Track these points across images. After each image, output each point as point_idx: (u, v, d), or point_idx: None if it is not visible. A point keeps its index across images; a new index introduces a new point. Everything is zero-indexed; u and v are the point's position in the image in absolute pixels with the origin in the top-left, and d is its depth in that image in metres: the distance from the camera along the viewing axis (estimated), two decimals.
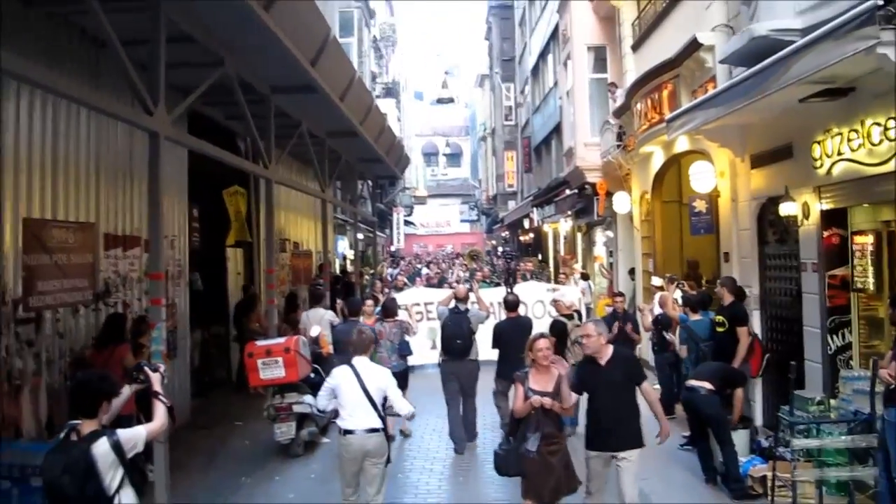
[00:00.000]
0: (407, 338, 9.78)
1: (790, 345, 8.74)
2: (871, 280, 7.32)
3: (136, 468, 4.34)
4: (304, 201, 17.57)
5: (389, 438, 6.59)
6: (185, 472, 8.24)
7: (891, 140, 6.41)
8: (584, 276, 18.34)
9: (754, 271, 9.69)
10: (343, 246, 25.71)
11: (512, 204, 39.01)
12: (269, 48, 7.86)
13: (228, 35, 7.71)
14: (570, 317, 9.93)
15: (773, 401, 8.88)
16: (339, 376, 6.39)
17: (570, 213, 22.31)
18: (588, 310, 15.40)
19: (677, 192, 13.65)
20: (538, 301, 13.59)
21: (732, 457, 7.63)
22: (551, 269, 25.70)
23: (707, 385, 7.88)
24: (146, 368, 4.76)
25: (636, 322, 11.38)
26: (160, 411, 4.58)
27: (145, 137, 6.89)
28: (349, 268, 23.28)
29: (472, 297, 10.41)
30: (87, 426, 4.15)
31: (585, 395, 6.35)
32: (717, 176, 10.42)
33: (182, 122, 9.02)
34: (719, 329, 8.85)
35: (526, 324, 9.36)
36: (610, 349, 6.25)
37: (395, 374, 6.77)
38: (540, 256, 29.39)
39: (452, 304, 9.88)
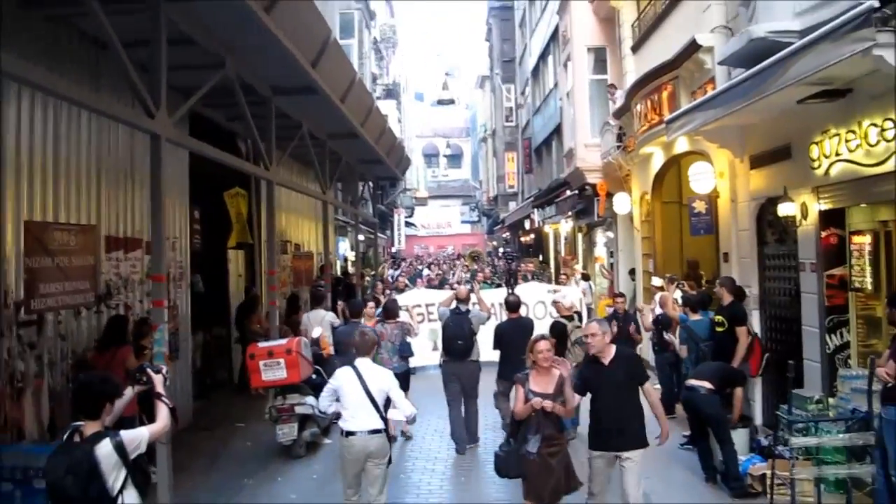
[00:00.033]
0: (408, 339, 9.79)
1: (789, 344, 8.77)
2: (868, 280, 7.36)
3: (139, 469, 4.37)
4: (305, 203, 17.59)
5: (391, 439, 6.61)
6: (188, 473, 8.27)
7: (888, 141, 6.45)
8: (585, 277, 18.37)
9: (753, 271, 9.72)
10: (344, 247, 25.75)
11: (513, 205, 39.02)
12: (269, 50, 7.88)
13: (229, 36, 7.73)
14: (570, 318, 9.94)
15: (773, 400, 8.90)
16: (342, 378, 6.41)
17: (570, 213, 22.34)
18: (589, 310, 15.43)
19: (677, 193, 13.67)
20: (539, 302, 13.59)
21: (732, 455, 7.66)
22: (552, 269, 25.73)
23: (707, 384, 7.91)
24: (148, 370, 4.80)
25: (637, 322, 11.41)
26: (163, 412, 4.61)
27: (146, 139, 6.92)
28: (350, 269, 23.30)
29: (473, 297, 10.42)
30: (90, 427, 4.18)
31: (586, 395, 6.38)
32: (717, 177, 10.45)
33: (183, 123, 9.05)
34: (719, 329, 8.88)
35: (527, 325, 9.36)
36: (613, 349, 6.26)
37: (396, 376, 6.77)
38: (541, 257, 29.41)
39: (453, 304, 9.90)
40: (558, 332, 8.91)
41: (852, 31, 5.35)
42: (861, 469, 6.43)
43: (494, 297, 12.94)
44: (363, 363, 6.49)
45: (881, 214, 7.60)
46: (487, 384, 9.71)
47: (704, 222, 10.91)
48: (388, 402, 6.47)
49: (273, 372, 8.89)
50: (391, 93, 38.79)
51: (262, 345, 9.23)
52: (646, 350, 12.05)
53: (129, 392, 4.76)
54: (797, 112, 7.50)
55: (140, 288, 9.13)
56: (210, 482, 8.39)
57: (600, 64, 19.13)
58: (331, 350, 10.20)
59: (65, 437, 4.25)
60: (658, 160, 13.23)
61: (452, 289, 13.07)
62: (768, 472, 7.11)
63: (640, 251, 14.93)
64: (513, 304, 9.79)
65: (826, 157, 7.48)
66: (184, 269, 10.76)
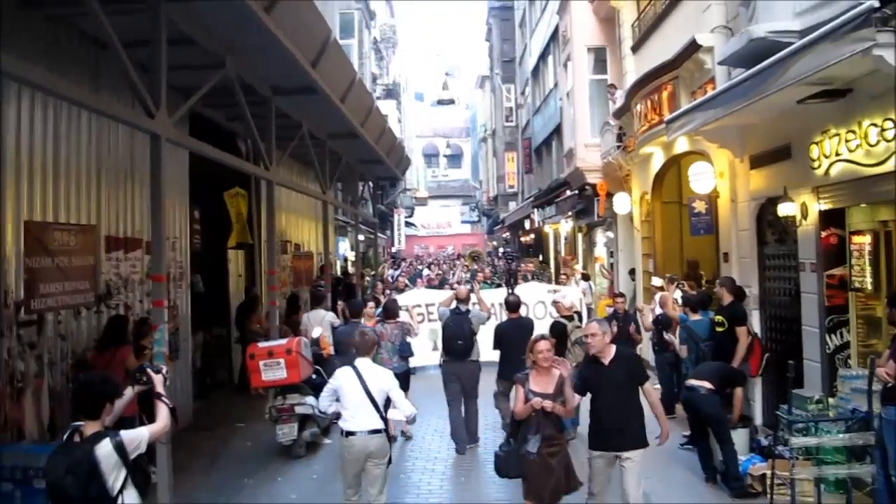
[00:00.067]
0: (408, 339, 9.80)
1: (789, 344, 8.78)
2: (868, 280, 7.37)
3: (139, 469, 4.37)
4: (305, 203, 17.60)
5: (391, 439, 6.61)
6: (188, 473, 8.27)
7: (888, 141, 6.45)
8: (585, 277, 18.38)
9: (753, 271, 9.72)
10: (344, 247, 25.76)
11: (513, 205, 39.03)
12: (270, 50, 7.88)
13: (229, 36, 7.74)
14: (570, 318, 9.94)
15: (773, 400, 8.90)
16: (342, 378, 6.42)
17: (570, 213, 22.35)
18: (589, 310, 15.44)
19: (677, 193, 13.68)
20: (539, 302, 13.59)
21: (732, 455, 7.66)
22: (552, 269, 25.74)
23: (707, 384, 7.91)
24: (148, 370, 4.80)
25: (637, 322, 11.42)
26: (163, 412, 4.62)
27: (146, 139, 6.92)
28: (350, 269, 23.32)
29: (473, 297, 10.42)
30: (90, 427, 4.19)
31: (586, 395, 6.37)
32: (717, 177, 10.46)
33: (183, 123, 9.05)
34: (719, 329, 8.89)
35: (527, 325, 9.36)
36: (613, 348, 6.26)
37: (396, 376, 6.78)
38: (541, 257, 29.42)
39: (453, 304, 9.90)
40: (558, 333, 8.91)
41: (852, 31, 5.35)
42: (861, 469, 6.43)
43: (494, 297, 12.94)
44: (363, 363, 6.50)
45: (881, 214, 7.61)
46: (487, 384, 9.71)
47: (704, 222, 10.92)
48: (388, 401, 6.48)
49: (273, 372, 8.90)
50: (391, 93, 38.82)
51: (262, 345, 9.23)
52: (646, 350, 12.06)
53: (129, 392, 4.76)
54: (797, 112, 7.50)
55: (140, 288, 9.13)
56: (210, 482, 8.39)
57: (600, 64, 19.14)
58: (331, 350, 10.21)
59: (65, 436, 4.25)
60: (658, 160, 13.24)
61: (452, 289, 13.07)
62: (768, 472, 7.11)
63: (640, 251, 14.94)
64: (513, 304, 9.79)
65: (826, 157, 7.49)
66: (184, 269, 10.76)
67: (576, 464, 6.31)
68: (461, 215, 64.38)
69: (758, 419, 9.33)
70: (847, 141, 7.08)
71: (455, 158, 66.88)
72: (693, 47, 10.28)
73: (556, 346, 6.57)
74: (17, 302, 6.67)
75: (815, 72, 5.93)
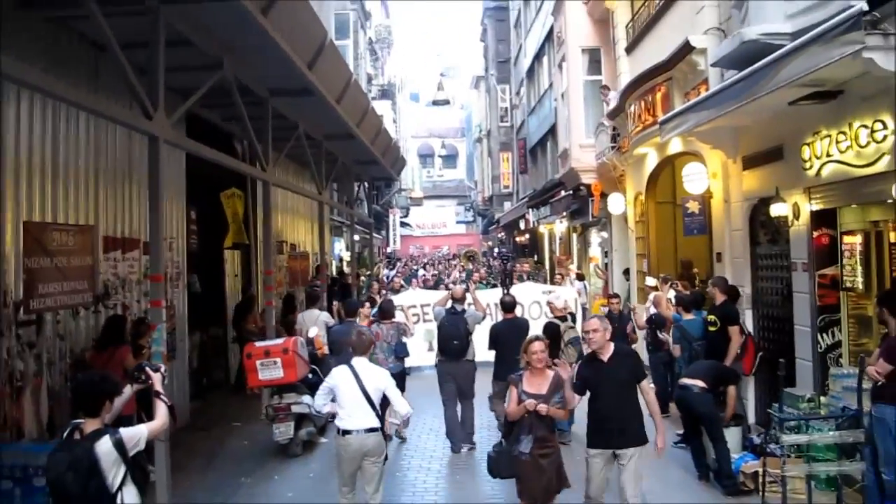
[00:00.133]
0: (404, 339, 9.83)
1: (781, 343, 8.86)
2: (859, 279, 7.46)
3: (138, 466, 4.42)
4: (301, 203, 17.64)
5: (386, 437, 6.65)
6: (185, 472, 8.29)
7: (878, 142, 6.54)
8: (580, 277, 18.44)
9: (746, 271, 9.78)
10: (340, 247, 25.78)
11: (508, 205, 39.07)
12: (266, 51, 7.92)
13: (227, 38, 7.78)
14: (563, 318, 9.97)
15: (766, 398, 8.97)
16: (338, 376, 6.47)
17: (565, 213, 22.40)
18: (584, 310, 15.48)
19: (671, 193, 13.73)
20: (534, 302, 13.64)
21: (725, 454, 7.72)
22: (547, 269, 25.79)
23: (700, 383, 7.97)
24: (147, 368, 4.83)
25: (632, 321, 11.47)
26: (161, 410, 4.66)
27: (143, 140, 6.98)
28: (346, 269, 23.35)
29: (468, 297, 10.45)
30: (90, 425, 4.23)
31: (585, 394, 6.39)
32: (710, 177, 10.53)
33: (180, 125, 9.07)
34: (711, 328, 8.96)
35: (523, 325, 9.36)
36: (612, 346, 6.26)
37: (392, 376, 6.80)
38: (536, 257, 29.47)
39: (449, 304, 9.92)
40: (552, 333, 8.91)
41: (843, 34, 5.41)
42: (851, 466, 6.47)
43: (490, 297, 12.98)
44: (360, 362, 6.55)
45: (872, 215, 7.70)
46: (483, 384, 9.73)
47: (698, 222, 10.99)
48: (384, 400, 6.53)
49: (270, 371, 8.94)
50: (386, 93, 38.90)
51: (259, 344, 9.27)
52: (640, 349, 12.10)
53: (128, 390, 4.79)
54: (789, 113, 7.57)
55: (137, 288, 9.17)
56: (207, 481, 8.43)
57: (595, 65, 19.19)
58: (325, 350, 10.24)
59: (65, 434, 4.30)
60: (652, 161, 13.31)
61: (448, 289, 13.11)
62: (760, 470, 7.18)
63: (635, 251, 15.02)
64: (508, 305, 9.78)
65: (817, 158, 7.56)
66: (181, 270, 10.80)
67: (570, 465, 6.33)
68: (456, 215, 64.37)
69: (751, 418, 9.39)
70: (838, 142, 7.16)
71: (450, 159, 66.87)
72: (686, 49, 10.35)
73: (550, 347, 6.59)
74: (17, 302, 6.71)
75: (806, 74, 5.99)
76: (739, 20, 8.44)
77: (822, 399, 7.47)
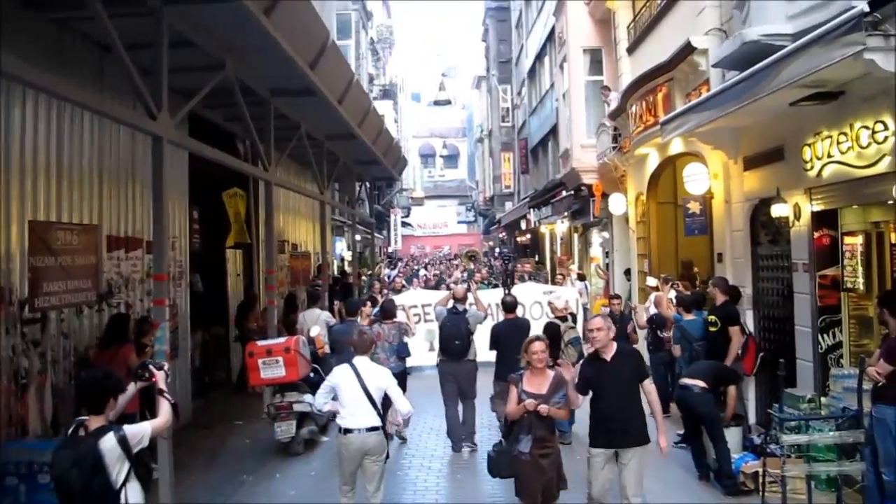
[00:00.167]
0: (406, 339, 9.85)
1: (782, 344, 8.87)
2: (860, 280, 7.45)
3: (141, 463, 4.44)
4: (303, 203, 17.68)
5: (387, 436, 6.68)
6: (187, 470, 8.30)
7: (878, 143, 6.55)
8: (581, 277, 18.46)
9: (747, 271, 9.79)
10: (341, 247, 25.81)
11: (509, 205, 39.06)
12: (269, 52, 7.94)
13: (229, 39, 7.80)
14: (563, 318, 9.98)
15: (767, 399, 8.98)
16: (340, 375, 6.50)
17: (566, 214, 22.41)
18: (585, 310, 15.50)
19: (672, 194, 13.73)
20: (536, 302, 13.66)
21: (725, 454, 7.74)
22: (548, 269, 25.80)
23: (700, 383, 8.00)
24: (151, 366, 4.86)
25: (633, 321, 11.50)
26: (165, 408, 4.69)
27: (146, 140, 7.01)
28: (347, 269, 23.39)
29: (469, 297, 10.46)
30: (95, 422, 4.27)
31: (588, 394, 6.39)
32: (711, 178, 10.55)
33: (184, 125, 9.12)
34: (712, 329, 8.98)
35: (524, 325, 9.33)
36: (614, 345, 6.29)
37: (393, 375, 6.85)
38: (537, 257, 29.48)
39: (451, 304, 9.95)
40: (552, 333, 8.92)
41: (843, 35, 5.42)
42: (851, 466, 6.49)
43: (491, 297, 12.99)
44: (361, 361, 6.58)
45: (873, 215, 7.71)
46: (485, 384, 9.75)
47: (699, 223, 11.00)
48: (384, 399, 6.56)
49: (272, 370, 8.97)
50: (388, 93, 38.90)
51: (261, 343, 9.30)
52: (640, 349, 12.12)
53: (132, 388, 4.83)
54: (790, 114, 7.59)
55: (140, 287, 9.20)
56: (209, 479, 8.46)
57: (596, 65, 19.21)
58: (326, 349, 10.26)
59: (69, 431, 4.33)
60: (653, 161, 13.32)
61: (449, 289, 13.13)
62: (760, 470, 7.20)
63: (636, 251, 15.03)
64: (509, 305, 9.76)
65: (818, 158, 7.58)
66: (183, 269, 10.83)
67: (571, 465, 6.34)
68: (457, 215, 64.36)
69: (752, 418, 9.39)
70: (839, 143, 7.17)
71: (451, 159, 66.88)
72: (688, 49, 10.36)
73: (550, 347, 6.60)
74: (22, 300, 6.76)
75: (806, 75, 6.00)
76: (740, 21, 8.46)
77: (823, 399, 7.49)
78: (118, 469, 4.19)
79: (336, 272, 21.97)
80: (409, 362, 10.38)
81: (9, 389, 6.65)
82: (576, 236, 23.61)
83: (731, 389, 8.30)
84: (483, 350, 9.80)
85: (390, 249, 42.61)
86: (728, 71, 9.07)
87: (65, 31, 7.59)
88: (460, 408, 9.65)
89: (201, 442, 9.88)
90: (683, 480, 8.12)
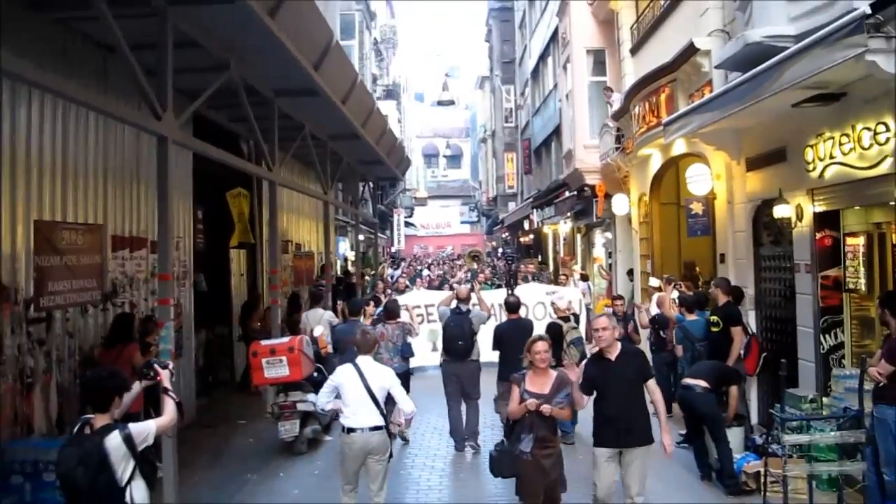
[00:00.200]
0: (409, 339, 9.86)
1: (784, 344, 8.87)
2: (862, 281, 7.46)
3: (146, 461, 4.48)
4: (307, 203, 17.70)
5: (390, 435, 6.70)
6: (191, 469, 8.37)
7: (880, 144, 6.57)
8: (584, 278, 18.47)
9: (749, 272, 9.80)
10: (344, 247, 25.85)
11: (512, 205, 39.07)
12: (273, 52, 7.97)
13: (234, 40, 7.83)
14: (566, 319, 10.00)
15: (769, 399, 8.99)
16: (343, 375, 6.53)
17: (569, 214, 22.43)
18: (588, 311, 15.51)
19: (675, 195, 13.77)
20: (539, 303, 13.64)
21: (727, 453, 7.76)
22: (551, 270, 25.81)
23: (702, 383, 8.02)
24: (156, 365, 4.89)
25: (636, 322, 11.53)
26: (169, 406, 4.71)
27: (151, 140, 7.04)
28: (350, 269, 23.41)
29: (473, 297, 10.46)
30: (100, 420, 4.29)
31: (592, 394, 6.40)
32: (714, 178, 10.56)
33: (188, 125, 9.16)
34: (714, 329, 9.00)
35: (527, 326, 9.27)
36: (619, 345, 6.31)
37: (397, 375, 6.88)
38: (540, 258, 29.48)
39: (454, 304, 9.95)
40: (554, 333, 8.93)
41: (845, 37, 5.43)
42: (852, 466, 6.51)
43: (494, 297, 13.00)
44: (364, 361, 6.60)
45: (875, 216, 7.72)
46: (488, 384, 9.77)
47: (701, 224, 11.01)
48: (388, 399, 6.58)
49: (275, 369, 8.99)
50: (391, 93, 38.93)
51: (264, 342, 9.32)
52: (643, 349, 12.14)
53: (136, 386, 4.86)
54: (792, 115, 7.60)
55: (145, 286, 9.24)
56: (213, 478, 8.50)
57: (599, 66, 19.22)
58: (329, 349, 10.29)
59: (75, 429, 4.36)
60: (656, 162, 13.34)
61: (452, 289, 13.14)
62: (762, 470, 7.21)
63: (638, 252, 15.03)
64: (512, 305, 9.77)
65: (820, 159, 7.59)
66: (187, 269, 10.86)
67: (573, 465, 6.34)
68: (460, 215, 64.40)
69: (755, 418, 9.40)
70: (841, 144, 7.19)
71: (455, 159, 66.93)
72: (691, 50, 10.37)
73: (553, 348, 6.62)
74: (27, 299, 6.80)
75: (809, 76, 6.01)
76: (743, 22, 8.46)
77: (825, 400, 7.51)
78: (123, 467, 4.22)
79: (339, 272, 22.00)
80: (412, 363, 10.38)
81: (14, 388, 6.69)
82: (579, 237, 23.62)
83: (733, 389, 8.31)
84: (486, 350, 9.81)
85: (393, 249, 42.63)
86: (731, 72, 9.08)
87: (68, 32, 7.62)
88: (463, 408, 9.65)
89: (205, 441, 9.92)
90: (685, 480, 8.13)
